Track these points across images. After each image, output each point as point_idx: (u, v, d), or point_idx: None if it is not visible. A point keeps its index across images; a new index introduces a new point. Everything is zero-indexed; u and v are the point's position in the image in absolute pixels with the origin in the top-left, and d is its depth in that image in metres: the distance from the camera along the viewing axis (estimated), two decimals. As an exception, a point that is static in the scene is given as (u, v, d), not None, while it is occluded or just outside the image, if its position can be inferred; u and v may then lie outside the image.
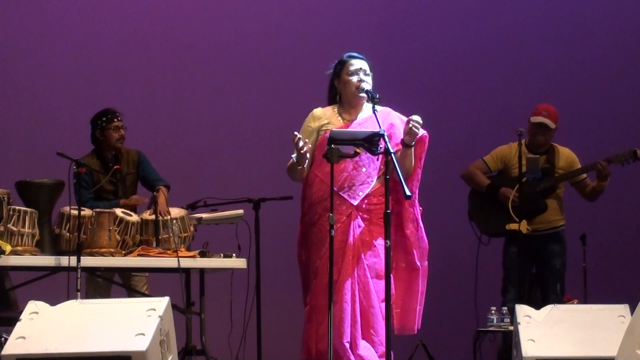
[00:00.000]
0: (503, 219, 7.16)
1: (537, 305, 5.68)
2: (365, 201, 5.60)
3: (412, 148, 5.59)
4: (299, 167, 5.58)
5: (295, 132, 5.50)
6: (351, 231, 5.56)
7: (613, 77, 9.47)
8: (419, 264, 5.67)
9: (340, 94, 5.76)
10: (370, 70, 5.74)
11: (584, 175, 7.32)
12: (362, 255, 5.55)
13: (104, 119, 7.10)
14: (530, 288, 7.34)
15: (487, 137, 8.52)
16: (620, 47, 9.55)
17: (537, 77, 9.43)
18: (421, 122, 5.51)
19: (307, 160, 5.58)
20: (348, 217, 5.57)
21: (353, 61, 5.74)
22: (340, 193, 5.58)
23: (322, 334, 5.34)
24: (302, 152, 5.49)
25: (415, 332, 5.74)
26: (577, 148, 7.52)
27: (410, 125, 5.50)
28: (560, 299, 7.19)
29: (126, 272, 6.89)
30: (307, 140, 5.55)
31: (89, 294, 6.82)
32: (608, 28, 9.57)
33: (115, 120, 7.09)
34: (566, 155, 7.36)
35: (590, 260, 7.87)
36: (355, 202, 5.59)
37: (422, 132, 5.69)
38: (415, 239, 5.68)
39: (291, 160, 5.61)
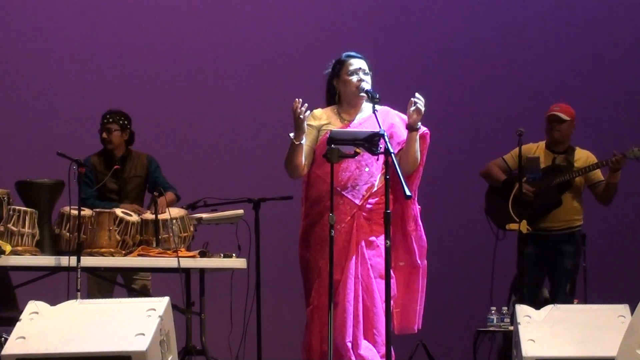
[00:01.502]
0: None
1: (541, 306, 5.67)
2: (369, 201, 5.60)
3: (418, 132, 5.58)
4: (297, 143, 5.52)
5: (297, 98, 5.43)
6: (354, 231, 5.55)
7: (616, 76, 9.47)
8: (419, 262, 5.67)
9: (339, 94, 5.75)
10: (369, 69, 5.73)
11: (601, 177, 7.30)
12: (366, 255, 5.55)
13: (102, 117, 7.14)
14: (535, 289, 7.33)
15: (487, 136, 8.54)
16: (623, 47, 9.55)
17: (538, 76, 9.43)
18: (423, 99, 5.51)
19: (304, 135, 5.51)
20: (352, 217, 5.57)
21: (352, 60, 5.73)
22: (344, 193, 5.56)
23: (326, 334, 5.32)
24: (300, 117, 5.43)
25: (416, 332, 5.73)
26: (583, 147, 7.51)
27: (415, 105, 5.49)
28: (569, 300, 7.16)
29: (128, 272, 6.89)
30: (306, 104, 5.47)
31: (93, 293, 6.82)
32: (610, 26, 9.57)
33: (103, 120, 7.08)
34: (585, 156, 7.33)
35: (590, 260, 7.87)
36: (359, 202, 5.58)
37: (423, 129, 5.70)
38: (416, 237, 5.68)
39: (288, 149, 5.57)
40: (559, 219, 7.24)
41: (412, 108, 5.53)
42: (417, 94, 5.51)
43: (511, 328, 6.31)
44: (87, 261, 6.16)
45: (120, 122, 7.10)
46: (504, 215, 7.26)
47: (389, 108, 5.73)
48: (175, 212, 6.62)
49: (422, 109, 5.52)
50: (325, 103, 5.81)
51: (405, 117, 5.70)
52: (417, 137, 5.60)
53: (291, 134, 5.51)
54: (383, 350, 5.39)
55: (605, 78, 9.46)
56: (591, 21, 9.59)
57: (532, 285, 7.16)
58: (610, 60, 9.51)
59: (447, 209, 8.75)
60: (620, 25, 9.58)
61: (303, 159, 5.59)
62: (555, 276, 7.28)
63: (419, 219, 5.70)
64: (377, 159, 5.57)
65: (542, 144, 7.37)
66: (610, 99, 9.46)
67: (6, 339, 5.00)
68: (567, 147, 7.36)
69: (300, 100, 5.42)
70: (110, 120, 7.09)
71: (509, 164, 7.40)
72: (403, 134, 5.68)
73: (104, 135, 7.07)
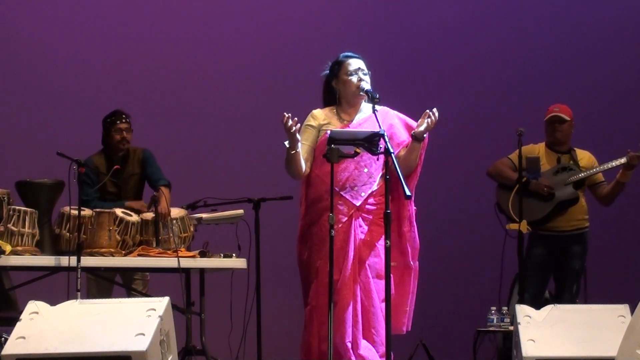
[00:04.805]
0: (538, 206, 7.16)
1: (542, 306, 5.67)
2: (367, 201, 5.59)
3: (421, 143, 5.58)
4: (292, 152, 5.51)
5: (285, 113, 5.45)
6: (352, 231, 5.55)
7: (616, 75, 9.46)
8: (412, 263, 5.67)
9: (339, 95, 5.75)
10: (367, 69, 5.73)
11: (602, 178, 7.36)
12: (364, 255, 5.55)
13: (109, 120, 7.09)
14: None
15: (487, 136, 8.53)
16: (622, 47, 9.55)
17: (538, 75, 9.42)
18: (437, 117, 5.51)
19: (299, 143, 5.51)
20: (349, 217, 5.56)
21: (350, 61, 5.73)
22: (342, 193, 5.56)
23: (324, 334, 5.33)
24: (291, 131, 5.44)
25: (404, 333, 5.72)
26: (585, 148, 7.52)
27: (428, 119, 5.50)
28: (574, 300, 7.21)
29: (127, 272, 6.89)
30: (295, 119, 5.46)
31: (92, 293, 6.81)
32: (610, 27, 9.56)
33: (119, 122, 7.06)
34: (587, 157, 7.41)
35: (590, 260, 7.86)
36: (358, 203, 5.57)
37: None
38: (410, 238, 5.67)
39: (286, 151, 5.57)
40: (572, 218, 7.29)
41: (426, 120, 5.53)
42: (435, 110, 5.52)
43: (511, 328, 6.31)
44: (87, 261, 6.16)
45: (129, 120, 7.11)
46: (527, 212, 7.28)
47: (388, 108, 5.73)
48: (175, 212, 6.63)
49: (433, 125, 5.54)
50: (322, 104, 5.81)
51: (404, 117, 5.71)
52: (419, 147, 5.60)
53: (286, 142, 5.51)
54: (382, 350, 5.40)
55: (606, 78, 9.45)
56: (591, 22, 9.58)
57: (536, 287, 7.19)
58: (609, 60, 9.50)
59: (447, 209, 8.75)
60: (620, 25, 9.57)
61: (302, 163, 5.60)
62: (562, 276, 7.31)
63: (414, 220, 5.70)
64: (377, 160, 5.57)
65: (543, 144, 7.40)
66: (610, 99, 9.45)
67: (6, 339, 5.00)
68: (568, 147, 7.41)
69: (289, 115, 5.42)
70: (125, 120, 7.08)
71: (515, 163, 7.44)
72: (402, 134, 5.68)
73: (119, 136, 7.03)
